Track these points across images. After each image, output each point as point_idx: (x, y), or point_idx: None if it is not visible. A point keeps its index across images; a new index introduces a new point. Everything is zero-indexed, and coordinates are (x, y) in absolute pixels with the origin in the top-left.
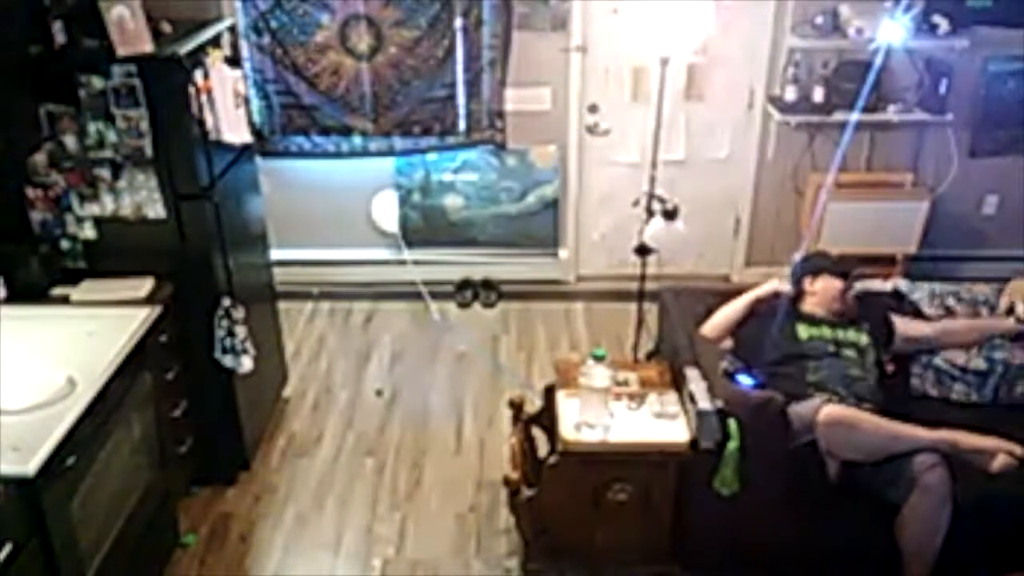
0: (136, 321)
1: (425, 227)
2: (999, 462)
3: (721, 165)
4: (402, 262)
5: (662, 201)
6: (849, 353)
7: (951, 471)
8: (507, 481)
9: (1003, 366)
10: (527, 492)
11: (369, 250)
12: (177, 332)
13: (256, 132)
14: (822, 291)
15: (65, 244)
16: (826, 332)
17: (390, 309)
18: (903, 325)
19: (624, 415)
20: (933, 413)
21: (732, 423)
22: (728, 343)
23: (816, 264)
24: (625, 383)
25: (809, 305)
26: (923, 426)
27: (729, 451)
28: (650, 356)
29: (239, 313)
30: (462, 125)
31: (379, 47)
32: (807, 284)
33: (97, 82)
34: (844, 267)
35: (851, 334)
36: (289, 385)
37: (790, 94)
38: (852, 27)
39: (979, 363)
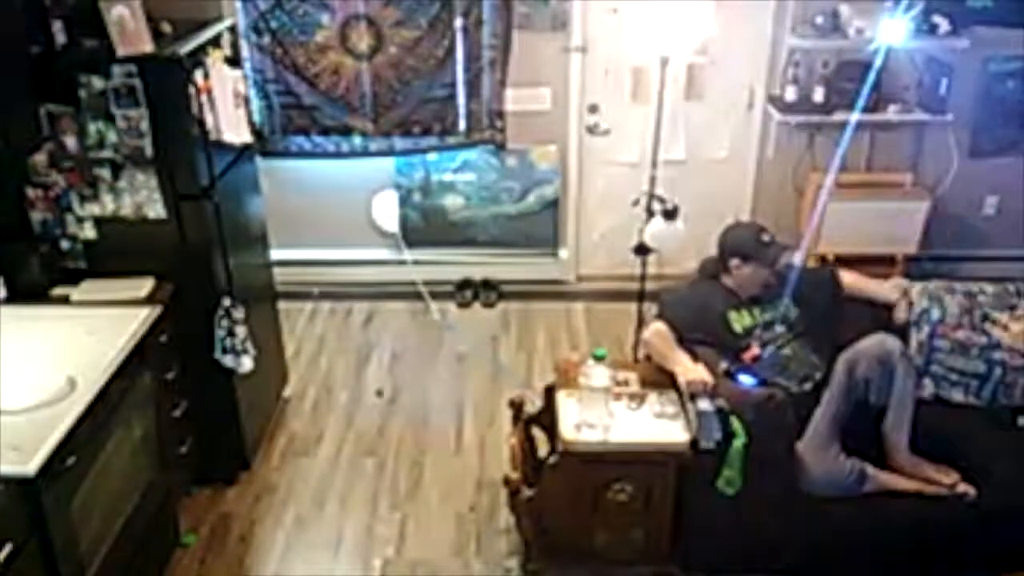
0: (136, 321)
1: (425, 227)
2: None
3: (721, 165)
4: (402, 262)
5: (662, 201)
6: (780, 330)
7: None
8: (507, 481)
9: (1001, 368)
10: (527, 492)
11: (369, 250)
12: (177, 332)
13: (256, 132)
14: (748, 277)
15: (65, 244)
16: (756, 316)
17: (390, 309)
18: (847, 276)
19: (624, 415)
20: (934, 417)
21: (736, 421)
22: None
23: (748, 249)
24: (625, 383)
25: (729, 283)
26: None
27: (735, 449)
28: (650, 357)
29: (239, 313)
30: (462, 125)
31: (379, 47)
32: (733, 265)
33: (97, 82)
34: (774, 254)
35: (778, 309)
36: (289, 385)
37: (790, 94)
38: (852, 27)
39: (978, 366)
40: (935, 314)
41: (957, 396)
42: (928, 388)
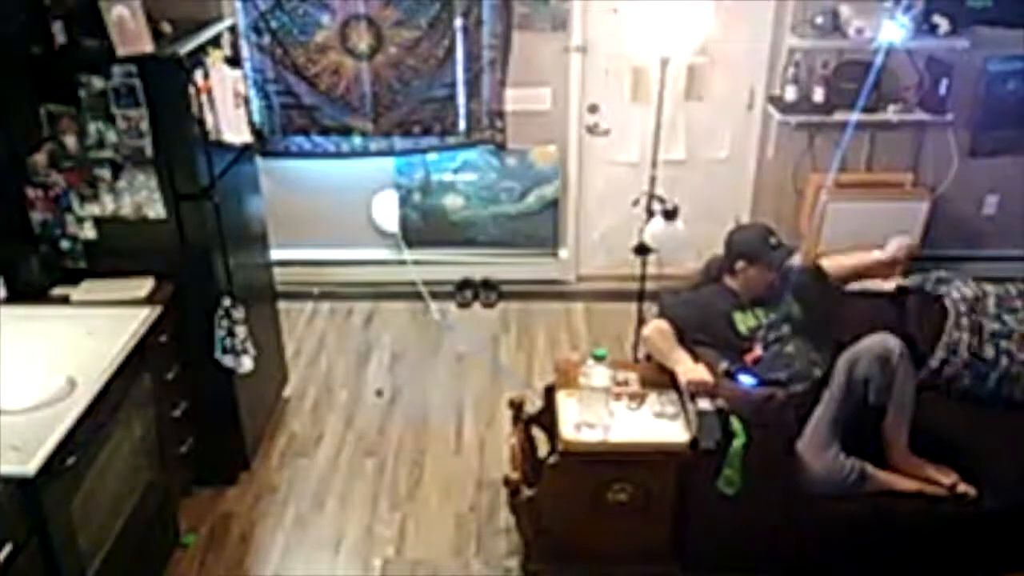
0: (136, 321)
1: (425, 227)
2: None
3: (721, 165)
4: (402, 262)
5: (662, 201)
6: (785, 330)
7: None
8: (507, 481)
9: (1008, 358)
10: (527, 492)
11: (369, 250)
12: (177, 332)
13: (256, 132)
14: (754, 279)
15: (65, 244)
16: (760, 317)
17: (390, 309)
18: (827, 261)
19: (624, 415)
20: (935, 414)
21: (736, 421)
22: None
23: (756, 251)
24: (625, 383)
25: (733, 284)
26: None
27: (734, 449)
28: (650, 356)
29: (239, 313)
30: (462, 125)
31: (379, 47)
32: (740, 267)
33: (97, 82)
34: (781, 257)
35: (781, 308)
36: (289, 385)
37: (790, 94)
38: (852, 27)
39: (987, 350)
40: (954, 293)
41: (965, 382)
42: (939, 355)
